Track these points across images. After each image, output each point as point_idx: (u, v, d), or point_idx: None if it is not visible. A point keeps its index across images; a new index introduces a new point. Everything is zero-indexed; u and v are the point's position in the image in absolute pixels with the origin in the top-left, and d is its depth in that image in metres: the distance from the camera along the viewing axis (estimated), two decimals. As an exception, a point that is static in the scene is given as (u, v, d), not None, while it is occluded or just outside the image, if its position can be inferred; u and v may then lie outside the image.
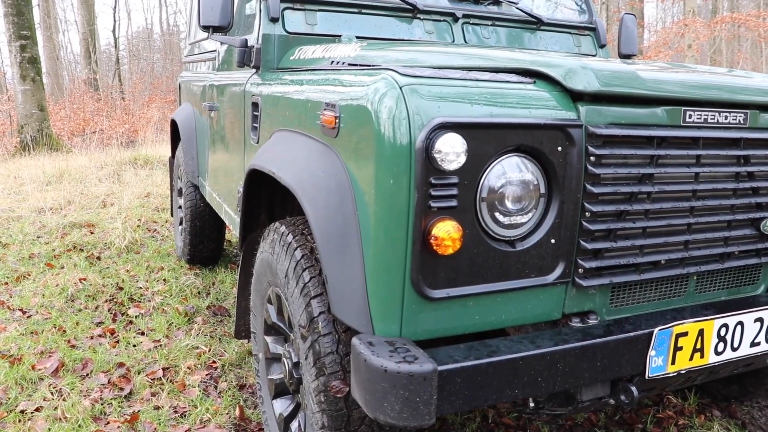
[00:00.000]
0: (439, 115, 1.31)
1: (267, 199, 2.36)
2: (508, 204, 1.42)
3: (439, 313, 1.41)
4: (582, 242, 1.51)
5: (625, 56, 3.36)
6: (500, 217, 1.42)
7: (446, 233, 1.32)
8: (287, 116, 2.00)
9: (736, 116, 1.70)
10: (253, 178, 2.15)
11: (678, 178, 1.63)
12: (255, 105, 2.41)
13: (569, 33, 3.10)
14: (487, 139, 1.36)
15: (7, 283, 3.98)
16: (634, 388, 1.57)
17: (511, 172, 1.41)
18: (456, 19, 2.78)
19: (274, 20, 2.50)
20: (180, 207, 4.52)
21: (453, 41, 2.75)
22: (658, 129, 1.57)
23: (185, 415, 2.48)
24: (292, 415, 2.01)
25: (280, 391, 2.10)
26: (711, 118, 1.66)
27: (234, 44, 2.59)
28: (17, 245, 4.84)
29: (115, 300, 3.66)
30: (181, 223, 4.46)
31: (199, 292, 3.81)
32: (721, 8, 21.49)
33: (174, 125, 4.38)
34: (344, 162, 1.52)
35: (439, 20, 2.75)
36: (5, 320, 3.37)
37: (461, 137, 1.31)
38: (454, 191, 1.34)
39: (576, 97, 1.50)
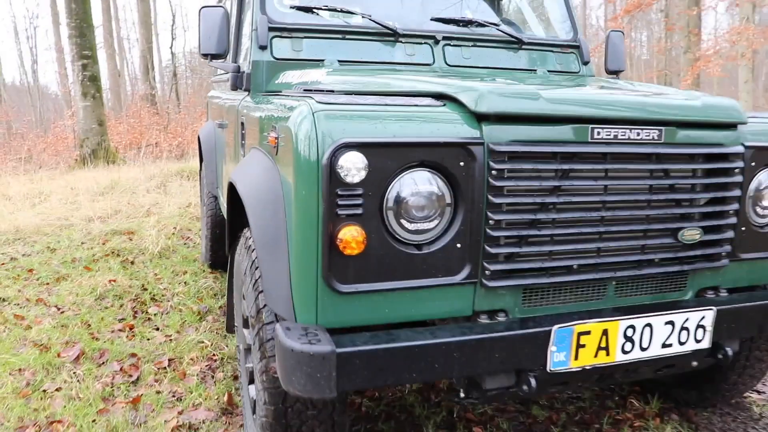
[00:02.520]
0: (343, 136, 1.54)
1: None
2: (414, 212, 1.63)
3: (350, 306, 1.63)
4: (487, 247, 1.70)
5: (612, 72, 3.50)
6: (406, 224, 1.64)
7: (351, 237, 1.55)
8: (257, 135, 2.27)
9: (650, 132, 1.87)
10: (232, 188, 2.42)
11: (587, 190, 1.81)
12: (242, 124, 2.69)
13: (552, 51, 3.27)
14: (390, 156, 1.58)
15: (48, 284, 4.38)
16: (532, 380, 1.75)
17: (415, 184, 1.63)
18: (437, 42, 2.99)
19: (262, 48, 2.77)
20: (204, 216, 4.86)
21: (434, 62, 2.96)
22: (565, 145, 1.76)
23: (181, 399, 2.77)
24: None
25: (253, 378, 2.35)
26: (622, 135, 1.83)
27: (228, 69, 2.88)
28: (63, 250, 5.28)
29: (138, 299, 4.01)
30: (205, 231, 4.80)
31: (214, 294, 4.12)
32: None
33: (200, 141, 4.73)
34: (280, 176, 1.77)
35: (420, 43, 2.97)
36: (42, 315, 3.76)
37: (362, 155, 1.54)
38: (359, 201, 1.56)
39: (481, 117, 1.70)
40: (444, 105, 1.74)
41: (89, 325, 3.56)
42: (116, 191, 8.48)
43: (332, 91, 2.17)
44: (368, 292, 1.63)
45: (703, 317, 1.91)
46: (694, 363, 2.07)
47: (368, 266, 1.61)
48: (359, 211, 1.57)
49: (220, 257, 4.50)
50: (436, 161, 1.64)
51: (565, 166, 1.76)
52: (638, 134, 1.85)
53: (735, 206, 2.00)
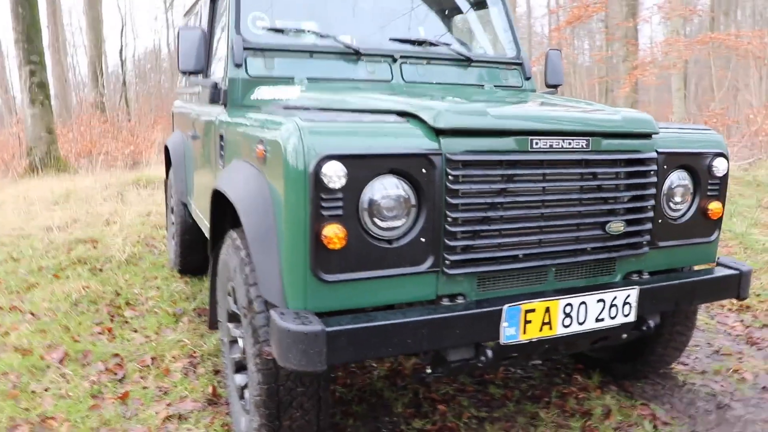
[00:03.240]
0: (326, 149, 1.84)
1: (231, 213, 2.89)
2: (385, 212, 1.94)
3: (335, 292, 1.92)
4: (446, 241, 2.02)
5: (551, 86, 3.88)
6: (379, 222, 1.94)
7: (333, 233, 1.85)
8: (240, 147, 2.54)
9: (579, 142, 2.22)
10: (216, 196, 2.68)
11: (528, 191, 2.14)
12: (221, 136, 2.95)
13: (497, 67, 3.62)
14: (364, 165, 1.88)
15: (18, 292, 4.52)
16: (489, 351, 2.08)
17: (386, 189, 1.93)
18: (395, 60, 3.30)
19: (238, 66, 3.03)
20: (173, 223, 5.07)
21: (392, 79, 3.27)
22: (509, 154, 2.09)
23: (168, 393, 3.00)
24: (246, 386, 2.52)
25: (239, 367, 2.61)
26: (556, 144, 2.18)
27: (206, 86, 3.14)
28: (27, 259, 5.39)
29: (113, 304, 4.20)
30: (173, 237, 5.00)
31: (187, 297, 4.34)
32: (714, 27, 22.02)
33: (167, 150, 4.94)
34: (269, 183, 2.05)
35: (380, 61, 3.27)
36: (17, 321, 3.91)
37: (342, 164, 1.83)
38: (340, 203, 1.86)
39: (439, 132, 2.02)
40: (407, 121, 2.06)
41: (68, 329, 3.74)
42: (72, 200, 8.54)
43: (308, 108, 2.46)
44: (348, 280, 1.92)
45: (629, 295, 2.27)
46: (624, 335, 2.44)
47: (348, 258, 1.91)
48: (340, 212, 1.87)
49: (189, 262, 4.71)
50: (402, 169, 1.95)
51: (510, 172, 2.09)
52: (570, 144, 2.20)
53: (652, 202, 2.38)
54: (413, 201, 1.99)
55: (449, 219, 2.01)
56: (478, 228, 2.06)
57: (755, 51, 15.12)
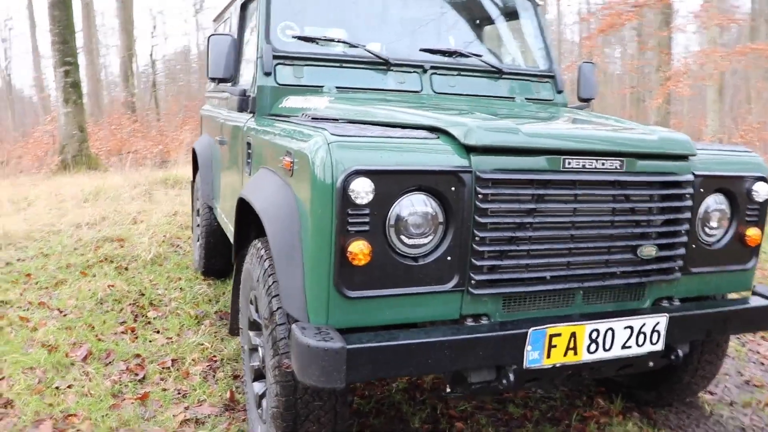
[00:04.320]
0: (354, 164, 1.81)
1: (256, 221, 2.88)
2: (412, 229, 1.91)
3: (357, 308, 1.90)
4: (473, 260, 1.98)
5: (584, 100, 3.82)
6: (405, 239, 1.91)
7: (359, 249, 1.82)
8: (267, 156, 2.53)
9: (613, 163, 2.17)
10: (242, 203, 2.67)
11: (558, 212, 2.10)
12: (249, 144, 2.94)
13: (529, 80, 3.57)
14: (393, 182, 1.86)
15: (47, 288, 4.57)
16: (511, 374, 2.04)
17: (414, 206, 1.90)
18: (425, 71, 3.27)
19: (267, 74, 3.03)
20: (198, 225, 5.09)
21: (422, 90, 3.24)
22: (541, 173, 2.05)
23: (186, 396, 3.00)
24: (264, 394, 2.51)
25: (258, 375, 2.60)
26: (589, 165, 2.13)
27: (234, 94, 3.14)
28: (56, 255, 5.45)
29: (137, 304, 4.22)
30: (198, 240, 5.03)
31: (209, 300, 4.35)
32: (757, 34, 21.56)
33: (195, 153, 4.96)
34: (295, 195, 2.03)
35: (410, 71, 3.25)
36: (45, 317, 3.95)
37: (370, 180, 1.81)
38: (366, 219, 1.84)
39: (469, 149, 1.98)
40: (438, 137, 2.03)
41: (93, 327, 3.77)
42: (101, 198, 8.63)
43: (335, 120, 2.45)
44: (372, 297, 1.90)
45: (658, 323, 2.21)
46: (651, 363, 2.37)
47: (373, 275, 1.88)
48: (366, 228, 1.84)
49: (213, 265, 4.73)
50: (431, 186, 1.92)
51: (541, 192, 2.04)
52: (603, 164, 2.14)
53: (686, 227, 2.31)
54: (441, 219, 1.96)
55: (477, 238, 1.97)
56: (505, 248, 2.02)
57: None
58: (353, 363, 1.79)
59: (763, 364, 3.71)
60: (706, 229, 2.43)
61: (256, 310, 2.51)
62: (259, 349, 2.47)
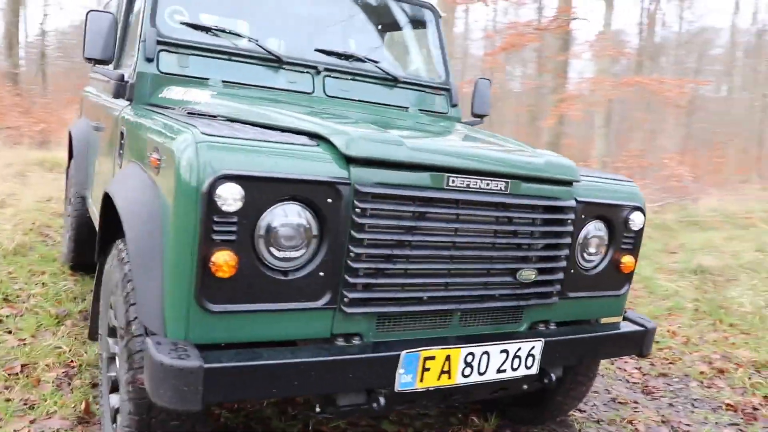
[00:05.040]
0: (223, 167, 1.67)
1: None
2: (283, 241, 1.78)
3: (219, 324, 1.75)
4: (347, 277, 1.88)
5: (477, 116, 3.82)
6: (275, 251, 1.78)
7: (223, 261, 1.68)
8: (137, 150, 2.32)
9: (498, 184, 2.13)
10: (107, 198, 2.45)
11: (439, 231, 2.03)
12: (122, 134, 2.71)
13: (424, 91, 3.53)
14: (264, 189, 1.72)
15: None
16: (381, 398, 1.95)
17: (286, 217, 1.78)
18: (318, 72, 3.15)
19: (149, 60, 2.81)
20: (68, 215, 4.72)
21: (314, 91, 3.11)
22: (423, 190, 1.97)
23: (34, 407, 2.72)
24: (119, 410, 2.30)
25: (115, 387, 2.38)
26: (473, 184, 2.07)
27: (111, 77, 2.89)
28: None
29: (-12, 299, 3.84)
30: (68, 231, 4.66)
31: (74, 298, 4.03)
32: (639, 70, 22.97)
33: (70, 137, 4.60)
34: (160, 196, 1.86)
35: (303, 71, 3.12)
36: None
37: (239, 186, 1.67)
38: (234, 228, 1.69)
39: (350, 159, 1.88)
40: (318, 145, 1.91)
41: (-68, 326, 3.39)
42: (-38, 177, 7.93)
43: (214, 116, 2.28)
44: (236, 312, 1.76)
45: (533, 347, 2.19)
46: (525, 386, 2.35)
47: (238, 288, 1.74)
48: (233, 237, 1.70)
49: (82, 259, 4.39)
50: (306, 196, 1.80)
51: (422, 209, 1.97)
52: (488, 184, 2.10)
53: (566, 252, 2.31)
54: (315, 231, 1.84)
55: (352, 254, 1.87)
56: (382, 266, 1.93)
57: (676, 99, 15.79)
58: (211, 383, 1.64)
59: (628, 381, 3.85)
60: (585, 255, 2.44)
61: (116, 316, 2.30)
62: (117, 358, 2.27)
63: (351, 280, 1.88)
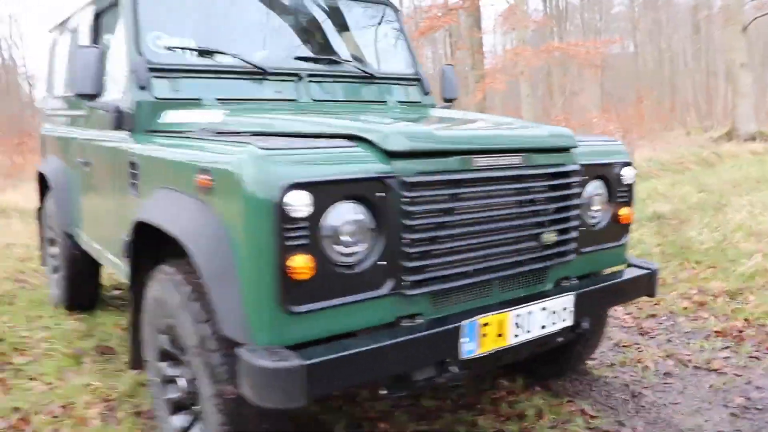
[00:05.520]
0: (289, 177, 1.79)
1: (151, 245, 2.71)
2: (345, 238, 1.91)
3: (302, 324, 1.87)
4: (404, 263, 2.03)
5: (447, 100, 4.01)
6: (340, 248, 1.91)
7: (300, 264, 1.80)
8: (166, 176, 2.40)
9: (514, 159, 2.32)
10: (139, 228, 2.51)
11: (473, 208, 2.20)
12: (133, 164, 2.77)
13: (398, 84, 3.69)
14: (325, 192, 1.85)
15: None
16: (453, 367, 2.12)
17: (344, 215, 1.91)
18: (300, 78, 3.25)
19: (142, 88, 2.86)
20: (52, 256, 4.67)
21: (300, 98, 3.21)
22: (455, 173, 2.14)
23: (89, 445, 2.76)
24: (190, 426, 2.38)
25: (176, 408, 2.46)
26: (495, 162, 2.26)
27: (108, 110, 2.92)
28: None
29: (-2, 351, 3.79)
30: (55, 272, 4.62)
31: (83, 336, 4.01)
32: (548, 36, 23.80)
33: (42, 178, 4.55)
34: (219, 215, 1.96)
35: (286, 80, 3.22)
36: None
37: (307, 192, 1.79)
38: (305, 232, 1.81)
39: (390, 154, 2.03)
40: (357, 146, 2.05)
41: (-49, 386, 3.34)
42: None
43: (239, 133, 2.38)
44: (315, 311, 1.88)
45: (567, 301, 2.40)
46: (560, 339, 2.57)
47: (314, 288, 1.87)
48: (305, 241, 1.82)
49: (78, 297, 4.37)
50: (360, 194, 1.94)
51: (456, 191, 2.14)
52: (507, 160, 2.29)
53: (577, 212, 2.53)
54: (371, 225, 1.98)
55: (406, 240, 2.02)
56: (431, 248, 2.09)
57: (592, 60, 16.47)
58: (312, 379, 1.76)
59: (623, 326, 4.13)
60: (590, 212, 2.67)
61: (171, 340, 2.38)
62: (179, 380, 2.34)
63: (408, 264, 2.03)
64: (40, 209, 4.95)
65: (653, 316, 4.29)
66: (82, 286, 4.34)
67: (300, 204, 1.79)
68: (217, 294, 1.92)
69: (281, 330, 1.84)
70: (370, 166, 1.98)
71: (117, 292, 5.06)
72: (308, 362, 1.75)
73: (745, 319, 4.08)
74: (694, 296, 4.58)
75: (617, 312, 4.36)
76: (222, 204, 1.95)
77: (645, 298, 4.48)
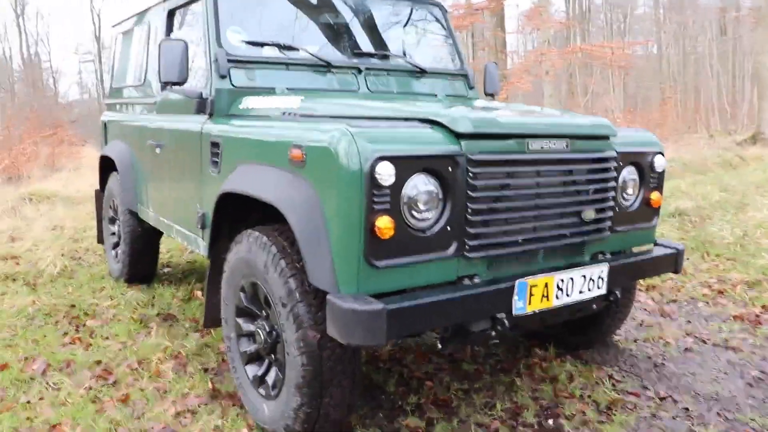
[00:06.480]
0: (378, 151, 2.11)
1: (228, 216, 3.04)
2: (420, 205, 2.23)
3: (381, 277, 2.19)
4: (467, 229, 2.35)
5: (489, 95, 4.33)
6: (415, 214, 2.23)
7: (384, 225, 2.12)
8: (252, 153, 2.73)
9: (561, 144, 2.63)
10: (222, 200, 2.84)
11: (526, 186, 2.52)
12: (215, 144, 3.10)
13: (446, 78, 4.00)
14: (406, 165, 2.17)
15: (-43, 312, 4.34)
16: (505, 321, 2.43)
17: (420, 186, 2.23)
18: (360, 71, 3.58)
19: (223, 77, 3.20)
20: (113, 233, 5.04)
21: (359, 89, 3.55)
22: (513, 154, 2.45)
23: (167, 392, 3.10)
24: (265, 373, 2.71)
25: (251, 358, 2.79)
26: (545, 146, 2.57)
27: (192, 96, 3.27)
28: (-53, 279, 5.12)
29: (71, 315, 4.16)
30: (114, 247, 4.98)
31: (145, 304, 4.37)
32: (572, 37, 24.01)
33: (107, 160, 4.91)
34: (311, 183, 2.28)
35: (348, 73, 3.55)
36: (-26, 340, 3.80)
37: (391, 164, 2.11)
38: (388, 198, 2.14)
39: (459, 135, 2.35)
40: (431, 127, 2.37)
41: (37, 342, 3.70)
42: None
43: (321, 116, 2.71)
44: (393, 266, 2.20)
45: (602, 270, 2.70)
46: (594, 306, 2.87)
47: (394, 247, 2.19)
48: (388, 206, 2.14)
49: (138, 271, 4.74)
50: (434, 168, 2.26)
51: (513, 169, 2.45)
52: (555, 145, 2.60)
53: (612, 194, 2.83)
54: (440, 195, 2.30)
55: (470, 210, 2.34)
56: (490, 217, 2.41)
57: (618, 61, 16.67)
58: (391, 322, 2.08)
59: (646, 309, 4.41)
60: (624, 195, 2.97)
61: (251, 297, 2.71)
62: (258, 332, 2.67)
63: (471, 231, 2.35)
64: (99, 191, 5.32)
65: (674, 301, 4.57)
66: (142, 260, 4.70)
67: (386, 174, 2.11)
68: (309, 250, 2.25)
69: (365, 281, 2.17)
70: (442, 145, 2.30)
71: (167, 270, 5.42)
72: (390, 307, 2.07)
73: (763, 306, 4.35)
74: (713, 285, 4.85)
75: (640, 297, 4.65)
76: (314, 174, 2.28)
77: (667, 285, 4.85)
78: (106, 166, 5.04)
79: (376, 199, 2.12)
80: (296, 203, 2.33)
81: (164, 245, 5.52)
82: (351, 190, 2.12)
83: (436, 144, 2.28)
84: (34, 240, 6.53)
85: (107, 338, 3.78)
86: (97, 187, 5.42)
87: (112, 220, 5.06)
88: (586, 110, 20.67)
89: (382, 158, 2.11)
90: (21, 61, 37.65)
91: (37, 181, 12.10)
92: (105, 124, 5.29)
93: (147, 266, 4.77)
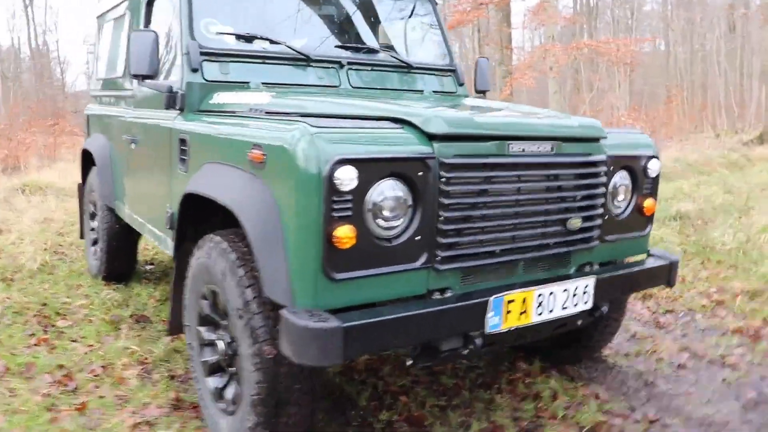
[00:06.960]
0: (338, 153, 1.93)
1: (195, 217, 2.88)
2: (386, 213, 2.06)
3: (341, 290, 2.02)
4: (438, 239, 2.17)
5: (479, 92, 4.13)
6: (381, 222, 2.06)
7: (344, 234, 1.95)
8: (217, 152, 2.56)
9: (545, 146, 2.44)
10: (187, 201, 2.67)
11: (505, 192, 2.34)
12: (183, 141, 2.93)
13: (434, 74, 3.82)
14: (370, 169, 2.00)
15: (-75, 307, 4.19)
16: (478, 340, 2.26)
17: (387, 191, 2.05)
18: (342, 66, 3.40)
19: (194, 70, 3.03)
20: (92, 229, 4.88)
21: (340, 84, 3.37)
22: (490, 157, 2.27)
23: (128, 401, 2.94)
24: (225, 386, 2.54)
25: (213, 370, 2.62)
26: (527, 149, 2.39)
27: (162, 90, 3.09)
28: None
29: (42, 314, 4.00)
30: (94, 244, 4.83)
31: (119, 305, 4.22)
32: (578, 33, 23.70)
33: (86, 154, 4.75)
34: (269, 187, 2.11)
35: (328, 67, 3.37)
36: (-65, 339, 3.64)
37: (354, 168, 1.94)
38: (350, 205, 1.96)
39: (431, 137, 2.17)
40: (402, 128, 2.19)
41: (1, 343, 3.55)
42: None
43: (288, 113, 2.53)
44: (354, 278, 2.03)
45: (587, 284, 2.52)
46: (579, 321, 2.69)
47: (355, 258, 2.01)
48: (349, 213, 1.97)
49: (115, 269, 4.58)
50: (402, 172, 2.08)
51: (490, 174, 2.27)
52: (538, 148, 2.41)
53: (602, 201, 2.64)
54: (410, 202, 2.12)
55: (441, 218, 2.16)
56: (463, 226, 2.23)
57: (623, 58, 16.38)
58: (348, 340, 1.91)
59: (640, 320, 4.23)
60: (615, 202, 2.78)
61: (212, 305, 2.54)
62: (218, 342, 2.50)
63: (442, 240, 2.17)
64: (81, 185, 5.16)
65: (671, 311, 4.38)
66: (119, 257, 4.54)
67: (347, 178, 1.93)
68: (264, 260, 2.08)
69: (322, 295, 1.99)
70: (412, 147, 2.12)
71: (149, 267, 5.26)
72: (346, 324, 1.90)
73: (763, 319, 4.16)
74: (713, 295, 4.66)
75: (635, 306, 4.46)
76: (273, 177, 2.10)
77: (664, 294, 4.66)
78: (88, 160, 4.88)
79: (335, 206, 1.95)
80: (253, 208, 2.16)
81: (150, 242, 5.37)
82: (308, 195, 1.94)
83: (405, 145, 2.11)
84: (20, 233, 6.37)
85: (75, 340, 3.62)
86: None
87: (92, 216, 4.90)
88: (591, 107, 20.41)
89: (342, 161, 1.93)
90: (29, 51, 37.60)
91: (34, 171, 11.98)
92: (88, 117, 5.13)
93: (124, 264, 4.62)
